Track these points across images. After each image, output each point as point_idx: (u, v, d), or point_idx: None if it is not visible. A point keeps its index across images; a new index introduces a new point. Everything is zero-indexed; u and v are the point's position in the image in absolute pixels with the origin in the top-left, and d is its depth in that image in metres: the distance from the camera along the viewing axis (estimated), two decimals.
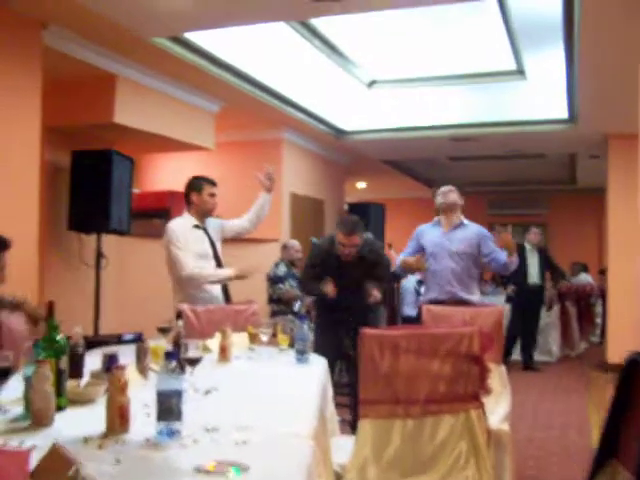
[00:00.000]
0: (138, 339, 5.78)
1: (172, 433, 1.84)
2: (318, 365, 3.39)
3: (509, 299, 8.92)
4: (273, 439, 1.87)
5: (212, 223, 4.92)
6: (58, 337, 2.18)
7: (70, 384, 2.29)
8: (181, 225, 4.76)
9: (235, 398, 2.55)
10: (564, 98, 7.36)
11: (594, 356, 9.51)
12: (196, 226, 4.76)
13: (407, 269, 5.09)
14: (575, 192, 13.58)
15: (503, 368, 3.92)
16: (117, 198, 5.68)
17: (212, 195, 4.84)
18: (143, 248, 6.54)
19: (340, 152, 9.90)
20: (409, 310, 8.52)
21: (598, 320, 11.31)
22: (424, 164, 11.60)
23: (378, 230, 9.99)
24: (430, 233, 5.02)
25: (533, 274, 8.80)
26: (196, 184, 4.85)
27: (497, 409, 3.65)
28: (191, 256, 4.63)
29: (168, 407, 1.85)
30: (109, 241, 5.99)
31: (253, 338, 3.90)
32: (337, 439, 3.07)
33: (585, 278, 11.36)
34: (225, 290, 4.84)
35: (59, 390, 2.12)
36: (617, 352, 8.40)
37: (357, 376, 4.54)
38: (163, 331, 3.68)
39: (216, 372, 3.10)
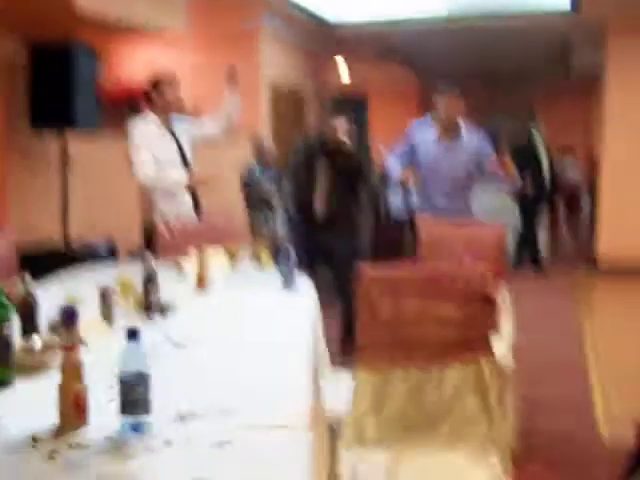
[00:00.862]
0: (110, 254, 5.46)
1: (139, 428, 1.50)
2: (307, 293, 3.07)
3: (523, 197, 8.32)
4: (262, 435, 1.53)
5: (181, 124, 4.56)
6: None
7: (20, 347, 1.94)
8: (143, 125, 4.41)
9: (214, 355, 2.19)
10: None
11: (583, 253, 9.32)
12: (163, 122, 4.42)
13: (404, 184, 4.74)
14: (564, 75, 13.08)
15: (505, 291, 3.63)
16: (82, 91, 5.18)
17: (174, 94, 4.47)
18: (113, 147, 6.03)
19: (323, 43, 9.26)
20: (396, 213, 8.11)
21: (585, 213, 11.07)
22: (411, 45, 10.97)
23: (362, 125, 9.53)
24: (426, 143, 4.53)
25: (546, 175, 8.34)
26: (155, 81, 4.47)
27: (499, 337, 3.39)
28: (150, 161, 4.29)
29: (133, 399, 1.50)
30: (76, 142, 5.51)
31: (233, 257, 3.54)
32: (328, 377, 2.80)
33: (571, 166, 11.01)
34: (196, 204, 4.50)
35: (3, 361, 1.77)
36: (609, 243, 8.22)
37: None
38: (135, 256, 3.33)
39: (193, 309, 2.75)
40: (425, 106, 13.88)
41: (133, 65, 8.04)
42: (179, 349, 2.19)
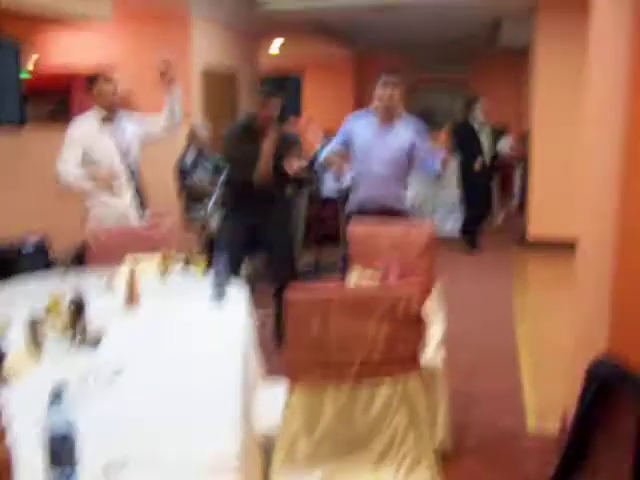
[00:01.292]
0: (39, 249, 5.34)
1: None
2: (238, 303, 3.07)
3: (466, 179, 8.54)
4: None
5: (126, 120, 4.57)
6: None
7: None
8: (80, 124, 4.45)
9: (143, 385, 2.20)
10: None
11: (514, 228, 9.54)
12: (104, 120, 4.43)
13: (328, 167, 4.68)
14: (496, 52, 13.20)
15: (437, 288, 3.70)
16: (3, 87, 5.04)
17: (111, 89, 4.46)
18: (41, 140, 5.86)
19: (252, 20, 9.11)
20: (329, 192, 8.15)
21: (516, 189, 11.31)
22: (343, 26, 10.92)
23: (295, 104, 9.48)
24: (363, 127, 4.51)
25: (486, 153, 8.39)
26: (92, 77, 4.47)
27: (430, 334, 3.46)
28: (67, 157, 4.36)
29: (58, 453, 1.50)
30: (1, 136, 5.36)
31: (165, 265, 3.51)
32: (262, 392, 2.82)
33: (504, 144, 11.21)
34: (140, 198, 4.51)
35: None
36: (538, 225, 8.44)
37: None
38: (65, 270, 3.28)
39: (122, 332, 2.72)
40: (360, 82, 13.95)
41: (60, 54, 7.83)
42: (106, 383, 2.19)
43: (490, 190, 8.84)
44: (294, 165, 4.45)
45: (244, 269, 5.77)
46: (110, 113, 4.46)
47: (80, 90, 7.16)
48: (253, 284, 5.89)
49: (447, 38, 12.29)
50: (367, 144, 4.46)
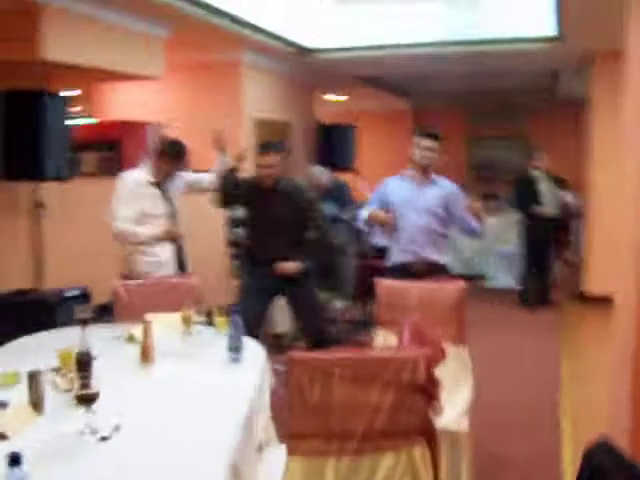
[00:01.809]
0: (83, 296, 5.41)
1: None
2: (254, 364, 3.02)
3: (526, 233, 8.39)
4: None
5: (176, 179, 4.67)
6: None
7: None
8: (131, 178, 4.50)
9: (135, 449, 2.16)
10: (549, 14, 6.75)
11: (572, 283, 9.22)
12: (151, 183, 4.48)
13: (374, 223, 4.60)
14: (555, 104, 13.01)
15: (465, 350, 3.58)
16: (52, 143, 5.15)
17: (177, 166, 4.59)
18: (91, 191, 5.99)
19: (307, 70, 9.23)
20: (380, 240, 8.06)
21: (572, 238, 10.99)
22: (399, 77, 10.96)
23: (349, 153, 9.51)
24: (399, 187, 4.52)
25: (547, 205, 8.22)
26: (166, 149, 4.54)
27: (454, 399, 3.34)
28: (125, 213, 4.39)
29: None
30: (50, 187, 5.49)
31: (187, 321, 3.49)
32: (268, 456, 2.75)
33: (566, 196, 10.96)
34: (179, 253, 4.57)
35: None
36: (595, 281, 8.16)
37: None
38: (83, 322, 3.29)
39: (128, 390, 2.71)
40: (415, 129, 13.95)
41: (113, 105, 8.07)
42: (100, 442, 2.17)
43: (550, 244, 8.59)
44: (287, 268, 4.48)
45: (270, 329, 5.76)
46: (166, 179, 4.54)
47: (131, 141, 7.37)
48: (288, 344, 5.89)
49: (505, 90, 12.19)
50: (404, 199, 4.44)
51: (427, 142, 4.39)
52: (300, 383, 2.32)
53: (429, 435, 2.37)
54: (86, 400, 2.34)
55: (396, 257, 4.51)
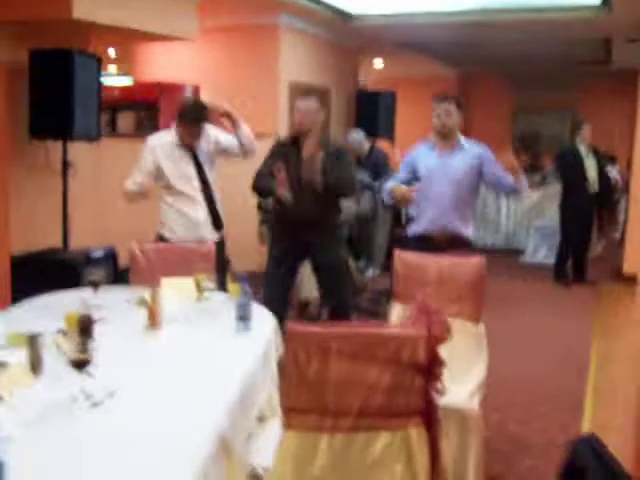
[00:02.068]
0: (109, 256, 5.44)
1: None
2: (261, 334, 2.99)
3: (566, 207, 8.13)
4: None
5: (204, 140, 4.49)
6: None
7: None
8: (155, 140, 4.42)
9: (125, 416, 2.14)
10: None
11: (611, 262, 8.98)
12: (178, 145, 4.38)
13: (395, 199, 4.50)
14: (608, 75, 12.56)
15: (481, 327, 3.49)
16: (82, 102, 5.15)
17: (199, 130, 4.39)
18: (124, 151, 5.98)
19: (348, 35, 9.05)
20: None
21: (621, 217, 10.69)
22: (445, 43, 10.69)
23: (388, 121, 9.35)
24: (425, 155, 4.42)
25: (591, 180, 7.94)
26: (184, 113, 4.35)
27: (466, 378, 3.26)
28: (138, 174, 4.33)
29: None
30: (80, 146, 5.50)
31: (199, 287, 3.47)
32: (272, 427, 2.72)
33: (613, 172, 10.64)
34: (214, 213, 4.49)
35: None
36: (635, 260, 7.91)
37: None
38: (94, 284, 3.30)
39: (131, 352, 2.70)
40: (464, 102, 13.61)
41: (150, 67, 8.04)
42: (91, 408, 2.16)
43: (591, 220, 8.34)
44: (279, 190, 4.28)
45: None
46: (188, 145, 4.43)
47: (168, 102, 7.35)
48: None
49: (554, 59, 11.83)
50: (429, 168, 4.35)
51: (443, 106, 4.28)
52: (297, 357, 2.26)
53: (428, 416, 2.30)
54: (78, 364, 2.33)
55: (418, 227, 4.43)
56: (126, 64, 8.37)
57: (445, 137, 4.34)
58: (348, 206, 6.45)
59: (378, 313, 6.16)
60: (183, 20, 6.08)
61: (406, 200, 4.27)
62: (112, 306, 3.26)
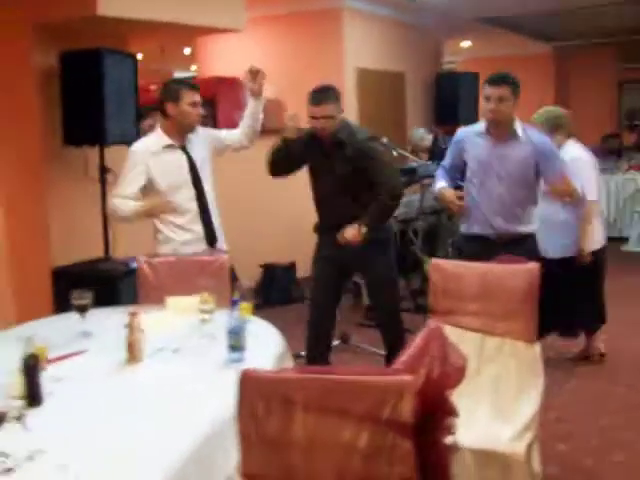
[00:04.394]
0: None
1: None
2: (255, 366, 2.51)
3: None
4: None
5: (198, 136, 3.93)
6: None
7: None
8: (142, 148, 3.81)
9: None
10: None
11: None
12: (169, 146, 3.80)
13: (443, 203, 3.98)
14: None
15: (537, 348, 2.88)
16: (116, 104, 4.83)
17: (194, 104, 3.79)
18: None
19: (421, 14, 8.40)
20: None
21: None
22: (536, 15, 9.83)
23: (470, 105, 8.65)
24: (474, 145, 3.85)
25: None
26: (171, 91, 3.80)
27: (514, 412, 2.69)
28: (123, 189, 3.78)
29: None
30: (119, 150, 5.20)
31: (203, 310, 3.03)
32: None
33: None
34: (208, 227, 3.88)
35: None
36: None
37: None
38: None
39: (88, 397, 2.28)
40: (562, 80, 12.62)
41: (207, 61, 7.73)
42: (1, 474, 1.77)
43: None
44: (348, 234, 3.79)
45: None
46: (185, 133, 3.85)
47: (227, 98, 6.99)
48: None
49: None
50: (482, 160, 3.82)
51: (490, 90, 3.69)
52: (254, 410, 1.79)
53: None
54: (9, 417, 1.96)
55: (472, 226, 3.90)
56: (192, 60, 8.12)
57: (498, 125, 3.74)
58: (410, 200, 5.90)
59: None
60: (230, 11, 5.64)
61: (455, 208, 3.83)
62: (102, 333, 2.89)
